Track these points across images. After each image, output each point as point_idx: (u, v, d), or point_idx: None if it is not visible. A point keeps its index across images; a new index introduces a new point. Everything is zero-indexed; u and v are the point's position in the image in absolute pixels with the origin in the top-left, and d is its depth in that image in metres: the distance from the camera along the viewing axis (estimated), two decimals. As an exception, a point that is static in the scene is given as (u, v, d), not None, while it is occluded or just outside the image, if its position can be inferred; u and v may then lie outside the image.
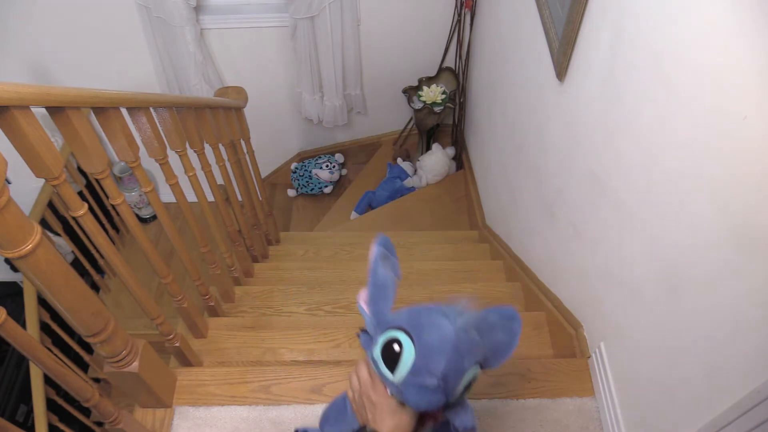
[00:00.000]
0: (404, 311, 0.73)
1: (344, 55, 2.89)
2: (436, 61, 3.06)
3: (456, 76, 3.04)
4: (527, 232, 1.92)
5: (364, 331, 0.78)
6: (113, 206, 1.20)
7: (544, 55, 1.52)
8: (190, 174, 1.55)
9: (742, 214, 0.75)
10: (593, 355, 1.35)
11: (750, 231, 0.74)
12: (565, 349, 1.52)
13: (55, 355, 2.21)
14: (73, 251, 2.76)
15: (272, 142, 3.43)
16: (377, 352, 0.70)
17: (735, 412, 0.78)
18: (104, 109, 1.08)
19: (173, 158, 1.44)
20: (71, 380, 0.95)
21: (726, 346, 0.81)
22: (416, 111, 3.08)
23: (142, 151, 1.27)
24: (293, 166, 3.55)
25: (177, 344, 1.38)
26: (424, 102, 2.96)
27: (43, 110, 0.90)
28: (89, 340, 0.99)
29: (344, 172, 3.65)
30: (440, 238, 2.71)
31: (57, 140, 2.52)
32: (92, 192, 2.93)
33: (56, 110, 0.92)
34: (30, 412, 2.42)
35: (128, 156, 1.19)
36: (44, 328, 2.33)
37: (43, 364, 0.88)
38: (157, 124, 1.35)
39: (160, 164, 1.39)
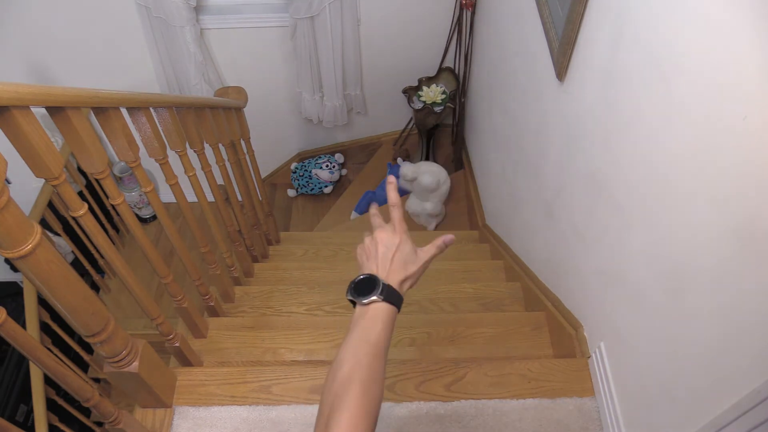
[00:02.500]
0: None
1: (344, 55, 2.89)
2: (436, 61, 3.06)
3: (456, 76, 3.04)
4: (527, 232, 1.92)
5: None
6: (113, 206, 1.20)
7: (544, 55, 1.52)
8: (190, 174, 1.55)
9: (742, 214, 0.75)
10: (593, 355, 1.35)
11: (750, 231, 0.74)
12: (565, 349, 1.52)
13: (55, 355, 2.21)
14: (73, 251, 2.76)
15: (272, 142, 3.43)
16: None
17: (735, 412, 0.78)
18: (104, 109, 1.08)
19: (173, 158, 1.44)
20: (71, 380, 0.95)
21: (726, 346, 0.81)
22: (416, 111, 3.08)
23: (142, 151, 1.27)
24: (293, 166, 3.55)
25: (177, 344, 1.38)
26: (424, 102, 2.96)
27: (43, 110, 0.90)
28: (89, 340, 0.99)
29: (344, 172, 3.65)
30: (440, 238, 2.71)
31: (57, 140, 2.52)
32: (92, 192, 2.93)
33: (56, 110, 0.92)
34: (30, 412, 2.42)
35: (128, 156, 1.19)
36: (44, 328, 2.33)
37: (43, 364, 0.88)
38: (157, 124, 1.35)
39: (160, 164, 1.39)
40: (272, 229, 2.49)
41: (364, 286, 0.70)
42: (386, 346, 0.67)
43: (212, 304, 1.70)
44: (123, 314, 2.92)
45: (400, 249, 0.73)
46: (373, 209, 0.81)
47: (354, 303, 0.71)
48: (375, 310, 0.68)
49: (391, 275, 0.71)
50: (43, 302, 2.33)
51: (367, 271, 0.72)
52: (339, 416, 0.57)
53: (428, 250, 0.75)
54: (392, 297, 0.70)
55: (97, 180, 1.08)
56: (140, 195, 3.33)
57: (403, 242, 0.74)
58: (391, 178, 0.79)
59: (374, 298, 0.68)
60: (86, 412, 2.43)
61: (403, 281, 0.72)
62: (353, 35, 2.83)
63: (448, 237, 0.77)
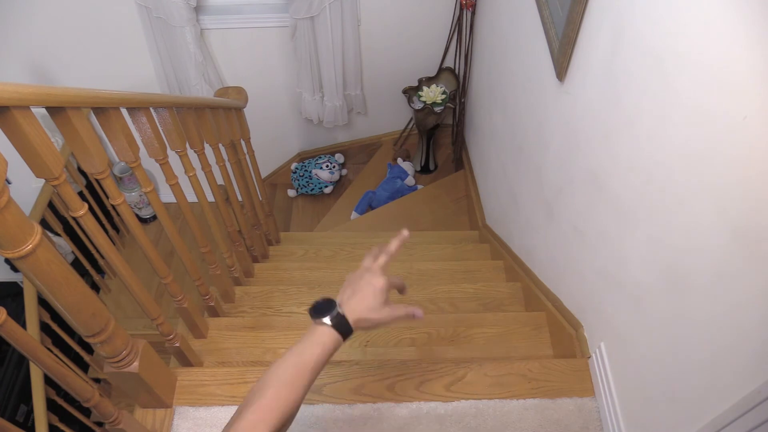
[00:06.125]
0: None
1: (344, 55, 2.89)
2: (436, 61, 3.06)
3: (456, 76, 3.04)
4: (527, 232, 1.92)
5: None
6: (113, 206, 1.20)
7: (544, 55, 1.52)
8: (191, 174, 1.55)
9: (742, 214, 0.75)
10: (593, 355, 1.35)
11: (750, 231, 0.74)
12: (565, 349, 1.52)
13: (55, 355, 2.21)
14: (73, 251, 2.76)
15: (272, 143, 3.43)
16: None
17: (735, 412, 0.78)
18: (104, 109, 1.08)
19: (173, 158, 1.44)
20: (71, 380, 0.95)
21: (726, 346, 0.81)
22: (416, 111, 3.08)
23: (142, 151, 1.27)
24: (293, 166, 3.55)
25: (177, 344, 1.38)
26: (425, 102, 2.96)
27: (43, 110, 0.90)
28: (89, 340, 0.99)
29: (344, 172, 3.65)
30: (440, 238, 2.72)
31: (57, 140, 2.52)
32: (92, 192, 2.93)
33: (56, 110, 0.92)
34: (30, 412, 2.42)
35: (128, 156, 1.19)
36: (44, 328, 2.33)
37: (43, 364, 0.88)
38: (158, 124, 1.35)
39: (160, 164, 1.39)
40: (272, 229, 2.49)
41: (323, 308, 0.76)
42: (316, 367, 0.71)
43: (212, 304, 1.70)
44: (123, 314, 2.92)
45: (374, 295, 0.77)
46: (375, 249, 0.85)
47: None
48: (321, 333, 0.73)
49: (352, 310, 0.76)
50: (43, 302, 2.33)
51: (339, 296, 0.78)
52: (247, 408, 0.64)
53: (396, 311, 0.79)
54: (342, 326, 0.74)
55: (97, 180, 1.08)
56: (140, 195, 3.33)
57: (379, 291, 0.78)
58: (405, 232, 0.84)
59: (325, 321, 0.74)
60: (86, 412, 2.43)
61: (359, 320, 0.76)
62: (353, 35, 2.83)
63: (419, 312, 0.81)
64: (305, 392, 0.69)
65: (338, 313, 0.75)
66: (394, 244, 0.83)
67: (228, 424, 0.64)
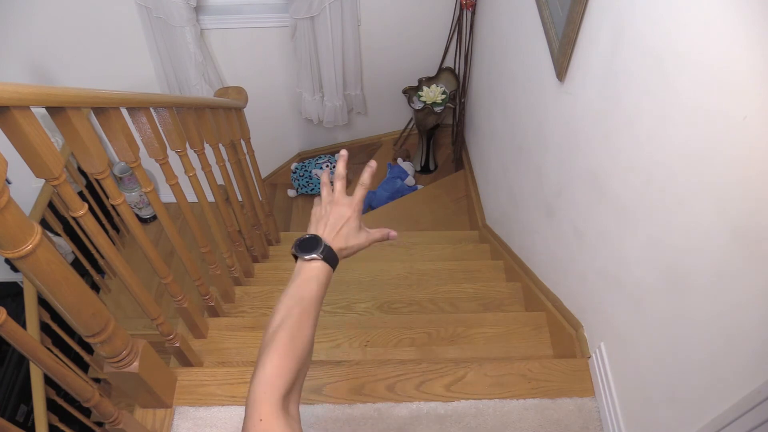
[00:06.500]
0: None
1: (344, 55, 2.89)
2: (436, 61, 3.06)
3: (456, 76, 3.04)
4: (527, 232, 1.92)
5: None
6: (113, 206, 1.20)
7: (544, 55, 1.52)
8: (191, 174, 1.55)
9: (742, 214, 0.75)
10: (593, 355, 1.35)
11: (750, 231, 0.74)
12: (565, 349, 1.52)
13: (55, 355, 2.21)
14: (73, 251, 2.76)
15: (272, 143, 3.43)
16: None
17: (735, 412, 0.78)
18: (104, 109, 1.08)
19: (173, 158, 1.44)
20: (71, 380, 0.95)
21: (726, 346, 0.81)
22: (416, 111, 3.08)
23: (143, 151, 1.27)
24: (293, 166, 3.55)
25: (177, 344, 1.38)
26: (425, 102, 2.96)
27: (43, 110, 0.90)
28: (89, 340, 0.99)
29: (344, 172, 3.65)
30: (440, 238, 2.71)
31: (57, 140, 2.52)
32: (92, 192, 2.93)
33: (56, 110, 0.92)
34: (30, 412, 2.42)
35: (128, 156, 1.19)
36: (44, 328, 2.33)
37: (43, 364, 0.88)
38: (158, 124, 1.35)
39: (160, 164, 1.39)
40: (272, 229, 2.49)
41: (308, 244, 0.78)
42: (317, 301, 0.75)
43: (212, 304, 1.70)
44: (123, 314, 2.92)
45: (348, 223, 0.81)
46: (324, 178, 0.89)
47: (296, 258, 0.78)
48: (312, 269, 0.76)
49: (334, 241, 0.79)
50: (43, 302, 2.33)
51: (314, 232, 0.80)
52: (266, 357, 0.68)
53: (373, 234, 0.83)
54: (330, 258, 0.78)
55: (97, 180, 1.08)
56: (140, 195, 3.33)
57: (353, 219, 0.81)
58: (344, 152, 0.88)
59: (315, 255, 0.76)
60: (86, 412, 2.43)
61: (341, 249, 0.80)
62: (353, 35, 2.83)
63: (393, 233, 0.85)
64: (314, 328, 0.73)
65: (326, 246, 0.77)
66: (340, 166, 0.86)
67: (252, 379, 0.67)
